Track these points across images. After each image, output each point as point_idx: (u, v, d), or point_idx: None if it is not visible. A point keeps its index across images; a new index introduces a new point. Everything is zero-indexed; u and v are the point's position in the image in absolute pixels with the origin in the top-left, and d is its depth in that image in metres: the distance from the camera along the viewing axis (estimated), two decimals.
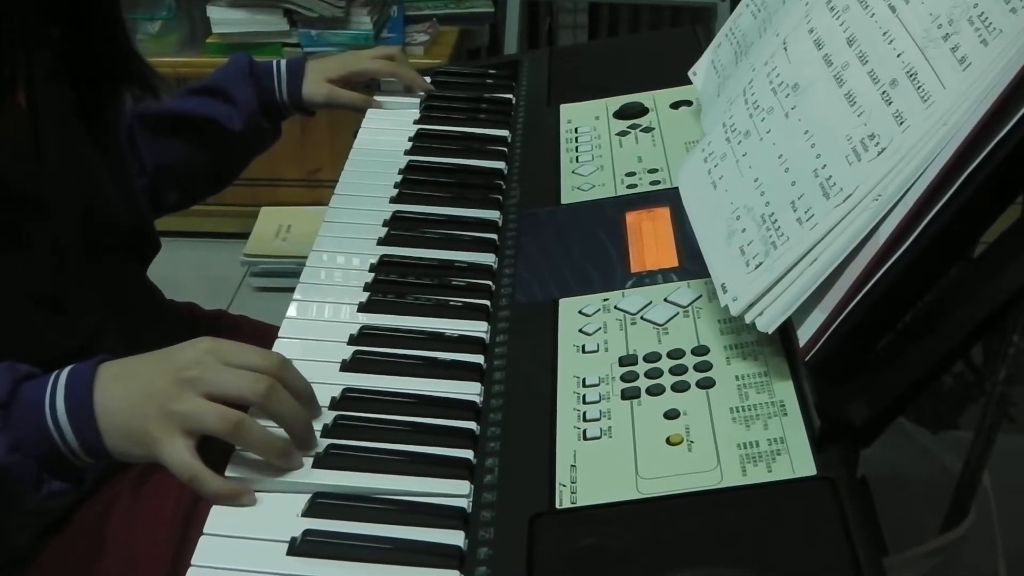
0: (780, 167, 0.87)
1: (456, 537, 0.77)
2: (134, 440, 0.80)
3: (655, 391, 0.84)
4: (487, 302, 1.01)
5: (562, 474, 0.79)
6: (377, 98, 1.40)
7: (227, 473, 0.81)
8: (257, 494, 0.80)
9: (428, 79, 1.42)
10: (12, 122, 0.94)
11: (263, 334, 1.16)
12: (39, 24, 0.98)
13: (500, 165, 1.25)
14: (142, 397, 0.80)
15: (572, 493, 0.77)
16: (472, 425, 0.87)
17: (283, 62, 1.35)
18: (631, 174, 1.15)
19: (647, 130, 1.23)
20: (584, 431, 0.82)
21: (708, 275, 0.90)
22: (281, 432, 0.83)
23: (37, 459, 0.80)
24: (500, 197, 1.18)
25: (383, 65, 1.40)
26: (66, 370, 0.83)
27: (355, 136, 1.34)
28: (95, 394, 0.81)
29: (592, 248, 1.04)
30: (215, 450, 0.82)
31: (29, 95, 0.96)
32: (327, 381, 0.90)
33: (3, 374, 0.82)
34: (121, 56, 1.09)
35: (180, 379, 0.80)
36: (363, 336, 0.97)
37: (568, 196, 1.15)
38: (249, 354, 0.83)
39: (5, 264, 0.94)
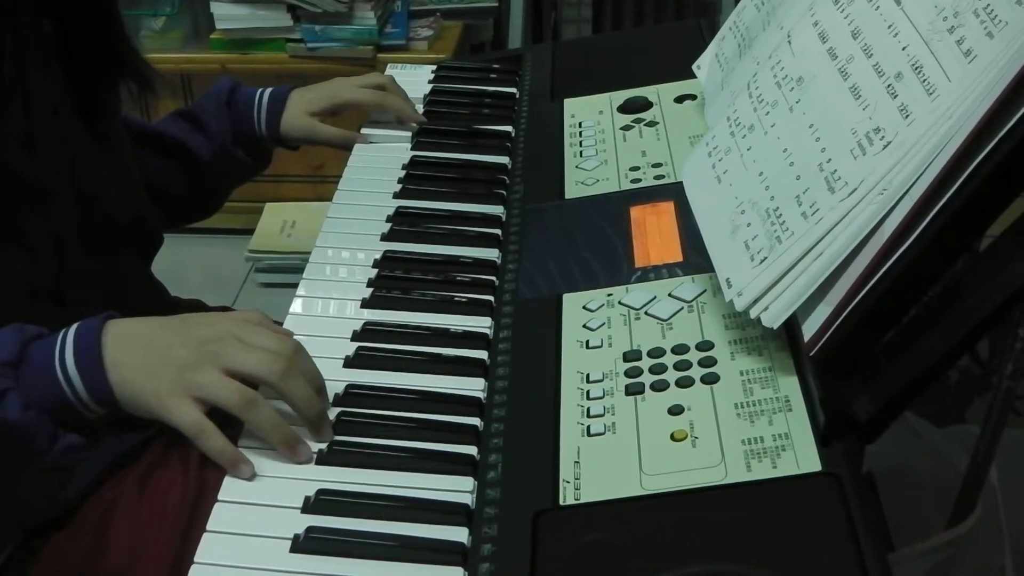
0: (785, 161, 0.87)
1: (460, 534, 0.76)
2: (145, 398, 0.83)
3: (659, 387, 0.84)
4: (491, 298, 1.01)
5: (566, 470, 0.79)
6: (365, 131, 1.32)
7: None
8: (260, 490, 0.81)
9: (422, 107, 1.36)
10: (6, 114, 0.94)
11: None
12: (32, 16, 0.97)
13: (504, 160, 1.25)
14: (160, 361, 0.83)
15: (576, 489, 0.77)
16: (476, 421, 0.87)
17: (266, 92, 1.28)
18: (635, 168, 1.15)
19: (651, 124, 1.23)
20: (588, 427, 0.82)
21: (713, 270, 0.90)
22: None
23: (50, 413, 0.82)
24: (504, 192, 1.18)
25: (371, 96, 1.31)
26: (74, 325, 0.85)
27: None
28: (104, 347, 0.83)
29: (596, 243, 1.04)
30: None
31: (22, 87, 0.95)
32: (330, 377, 0.90)
33: (12, 335, 0.84)
34: (116, 49, 1.08)
35: (201, 351, 0.83)
36: (366, 332, 0.97)
37: (572, 191, 1.14)
38: (268, 336, 0.85)
39: (5, 257, 0.94)
